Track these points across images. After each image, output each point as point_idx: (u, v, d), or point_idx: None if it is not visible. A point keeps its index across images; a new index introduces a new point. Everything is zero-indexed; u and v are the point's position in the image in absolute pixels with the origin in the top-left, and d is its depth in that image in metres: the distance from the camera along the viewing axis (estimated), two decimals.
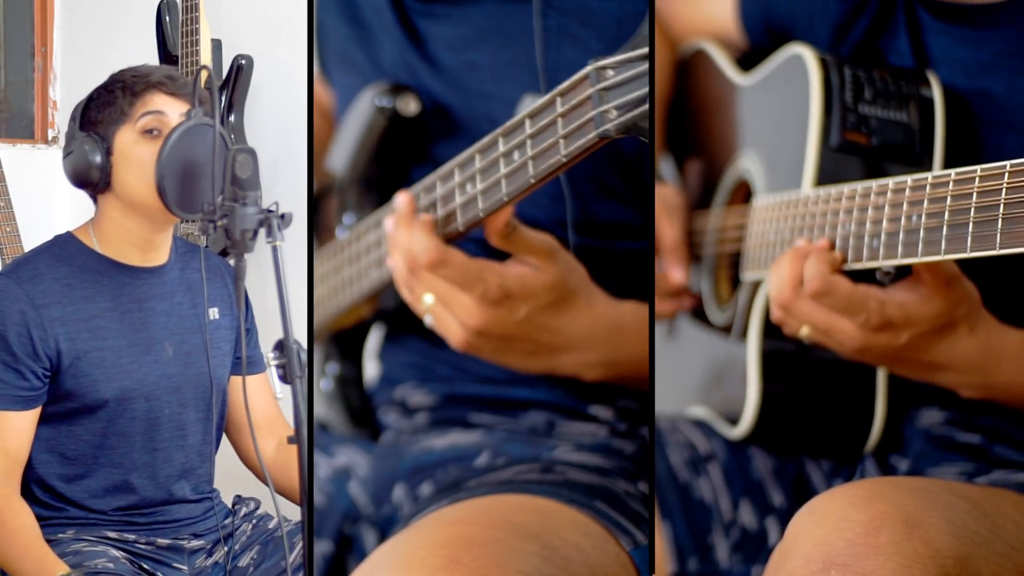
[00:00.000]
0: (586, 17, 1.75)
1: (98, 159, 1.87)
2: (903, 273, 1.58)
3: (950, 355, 1.60)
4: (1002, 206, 1.38)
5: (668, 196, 1.99)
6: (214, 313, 2.00)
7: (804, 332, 1.65)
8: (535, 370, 1.78)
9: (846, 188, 1.61)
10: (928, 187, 1.48)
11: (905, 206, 1.51)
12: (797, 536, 1.46)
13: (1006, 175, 1.38)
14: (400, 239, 1.70)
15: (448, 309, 1.70)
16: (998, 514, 1.53)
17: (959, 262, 1.52)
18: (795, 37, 1.82)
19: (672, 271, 1.97)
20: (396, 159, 1.90)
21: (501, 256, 1.70)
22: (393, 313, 1.95)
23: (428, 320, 1.75)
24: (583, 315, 1.72)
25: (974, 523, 1.47)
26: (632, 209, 1.79)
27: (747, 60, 1.93)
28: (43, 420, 1.90)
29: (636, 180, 1.78)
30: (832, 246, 1.61)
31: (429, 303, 1.71)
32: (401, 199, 1.72)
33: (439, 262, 1.66)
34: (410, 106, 1.86)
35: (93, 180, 1.89)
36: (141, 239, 1.93)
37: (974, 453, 1.72)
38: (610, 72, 1.46)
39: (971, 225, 1.41)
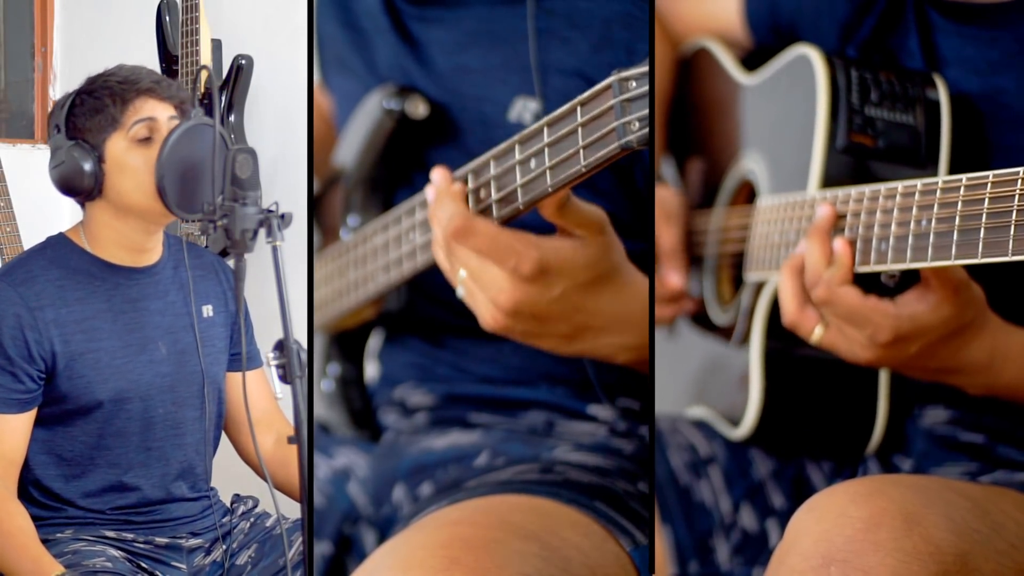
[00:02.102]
0: (574, 18, 1.74)
1: (89, 168, 1.87)
2: (908, 276, 1.57)
3: (957, 358, 1.59)
4: (1015, 212, 1.37)
5: (667, 199, 1.98)
6: (208, 310, 2.00)
7: (817, 333, 1.64)
8: (568, 353, 1.67)
9: (853, 191, 1.60)
10: (939, 192, 1.47)
11: (915, 210, 1.50)
12: (797, 533, 1.45)
13: (1019, 181, 1.38)
14: (435, 210, 1.61)
15: (478, 285, 1.59)
16: (999, 512, 1.53)
17: (965, 265, 1.51)
18: (801, 35, 1.82)
19: (669, 276, 1.95)
20: (402, 162, 1.89)
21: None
22: (396, 314, 1.94)
23: (460, 292, 1.63)
24: (622, 294, 1.62)
25: (974, 520, 1.47)
26: (623, 211, 1.75)
27: (752, 59, 1.92)
28: (39, 422, 1.90)
29: (628, 183, 1.77)
30: (852, 248, 1.59)
31: (463, 277, 1.61)
32: (438, 173, 1.63)
33: (465, 230, 1.56)
34: (419, 109, 1.84)
35: (85, 189, 1.88)
36: (133, 241, 1.93)
37: (977, 453, 1.72)
38: (633, 83, 1.44)
39: (982, 231, 1.40)
